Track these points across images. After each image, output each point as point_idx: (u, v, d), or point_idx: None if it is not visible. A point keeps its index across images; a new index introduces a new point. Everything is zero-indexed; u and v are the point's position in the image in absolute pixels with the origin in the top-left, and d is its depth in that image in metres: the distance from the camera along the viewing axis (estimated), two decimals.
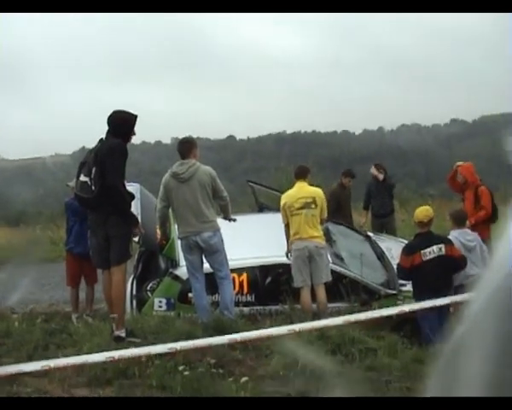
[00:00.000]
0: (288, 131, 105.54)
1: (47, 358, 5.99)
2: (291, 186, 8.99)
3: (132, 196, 7.06)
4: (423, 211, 8.43)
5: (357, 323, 6.41)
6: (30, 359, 6.19)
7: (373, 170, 12.92)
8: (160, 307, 8.49)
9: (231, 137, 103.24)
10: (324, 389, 5.15)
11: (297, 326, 5.84)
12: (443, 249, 8.01)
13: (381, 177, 12.75)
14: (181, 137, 8.75)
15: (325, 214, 8.88)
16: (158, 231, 8.47)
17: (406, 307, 6.93)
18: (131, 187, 7.72)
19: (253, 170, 63.51)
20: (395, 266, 8.81)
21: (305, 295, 8.33)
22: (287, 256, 8.66)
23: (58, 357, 6.10)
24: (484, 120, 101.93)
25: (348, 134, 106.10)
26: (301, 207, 8.53)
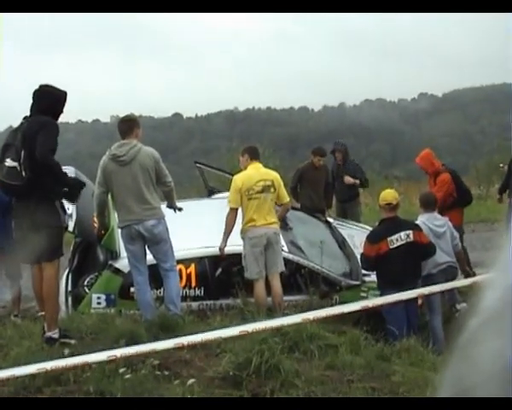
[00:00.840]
0: (241, 109, 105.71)
1: None
2: (244, 168, 8.92)
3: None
4: (391, 193, 8.47)
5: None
6: None
7: (347, 179, 12.62)
8: (99, 303, 8.39)
9: (177, 115, 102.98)
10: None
11: (250, 326, 5.81)
12: (411, 236, 8.03)
13: (358, 182, 12.75)
14: (122, 115, 8.64)
15: (286, 199, 8.89)
16: (95, 220, 8.36)
17: (369, 303, 6.96)
18: (66, 171, 7.59)
19: (202, 151, 63.49)
20: (358, 255, 8.86)
21: (260, 288, 8.30)
22: (220, 250, 8.47)
23: None
24: (455, 95, 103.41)
25: (306, 111, 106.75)
26: (261, 191, 8.47)
